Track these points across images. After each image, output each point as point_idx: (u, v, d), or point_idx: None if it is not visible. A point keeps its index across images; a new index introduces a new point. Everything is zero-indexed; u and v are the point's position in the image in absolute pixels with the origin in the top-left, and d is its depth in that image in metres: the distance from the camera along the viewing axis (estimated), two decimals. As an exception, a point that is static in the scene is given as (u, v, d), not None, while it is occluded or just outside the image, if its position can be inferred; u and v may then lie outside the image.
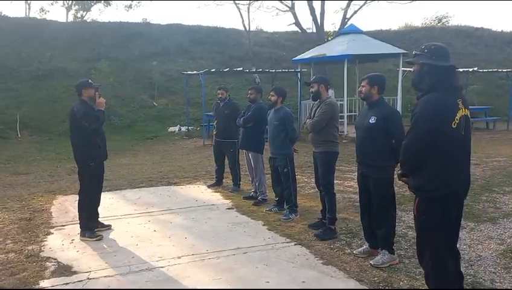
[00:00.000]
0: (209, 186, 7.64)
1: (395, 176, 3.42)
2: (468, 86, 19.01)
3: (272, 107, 5.91)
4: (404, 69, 15.51)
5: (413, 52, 3.17)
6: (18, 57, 19.50)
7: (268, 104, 6.03)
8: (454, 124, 2.89)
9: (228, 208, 6.27)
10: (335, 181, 7.78)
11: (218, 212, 6.07)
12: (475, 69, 16.70)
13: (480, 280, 3.81)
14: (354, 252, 4.42)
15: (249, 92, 6.74)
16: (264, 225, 5.42)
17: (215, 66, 19.26)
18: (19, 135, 14.81)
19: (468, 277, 3.83)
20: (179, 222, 5.67)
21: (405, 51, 14.49)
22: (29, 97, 17.23)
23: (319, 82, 4.99)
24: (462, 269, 3.92)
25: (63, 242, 4.94)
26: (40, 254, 4.57)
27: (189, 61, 21.79)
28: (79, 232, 5.22)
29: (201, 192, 7.31)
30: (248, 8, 22.75)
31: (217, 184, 7.67)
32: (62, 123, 16.01)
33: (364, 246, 4.40)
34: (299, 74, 15.10)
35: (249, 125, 6.54)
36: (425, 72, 3.00)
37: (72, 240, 5.02)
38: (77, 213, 5.23)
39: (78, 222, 5.20)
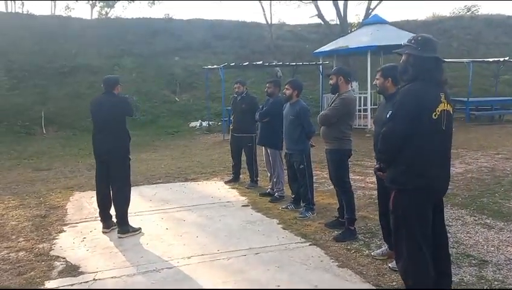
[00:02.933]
0: (226, 183, 7.49)
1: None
2: (499, 76, 18.27)
3: (287, 101, 5.69)
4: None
5: (402, 43, 3.08)
6: (44, 54, 19.82)
7: (284, 98, 5.81)
8: (434, 115, 2.80)
9: (244, 205, 6.10)
10: (356, 177, 7.68)
11: (233, 210, 5.90)
12: (506, 58, 15.96)
13: (511, 286, 3.51)
14: (372, 253, 4.17)
15: (267, 85, 6.53)
16: (279, 224, 5.22)
17: (237, 61, 19.09)
18: (44, 131, 15.05)
19: (496, 282, 3.54)
20: (192, 219, 5.54)
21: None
22: (54, 94, 17.49)
23: (337, 74, 4.72)
24: (489, 273, 3.67)
25: (74, 240, 4.87)
26: (50, 252, 4.51)
27: (211, 56, 21.70)
28: (91, 230, 5.18)
29: (217, 188, 7.16)
30: (270, 2, 22.48)
31: (234, 180, 7.51)
32: (86, 119, 16.13)
33: (383, 248, 4.14)
34: (320, 66, 14.75)
35: (266, 120, 6.35)
36: (409, 63, 2.95)
37: (84, 238, 4.94)
38: (117, 209, 5.02)
39: (116, 218, 5.03)
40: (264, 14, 23.55)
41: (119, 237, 4.88)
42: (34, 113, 15.72)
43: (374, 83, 3.98)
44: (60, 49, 20.45)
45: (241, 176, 7.66)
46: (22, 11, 25.75)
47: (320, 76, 14.91)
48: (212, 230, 5.05)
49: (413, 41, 2.95)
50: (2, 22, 21.99)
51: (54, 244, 4.78)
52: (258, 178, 7.32)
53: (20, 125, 14.90)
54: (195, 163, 9.67)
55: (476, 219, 5.15)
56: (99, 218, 5.18)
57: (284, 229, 5.03)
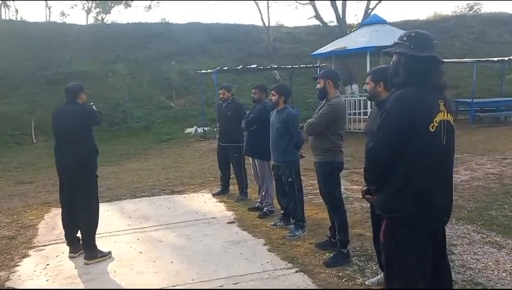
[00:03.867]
0: (214, 195, 6.99)
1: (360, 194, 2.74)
2: (504, 76, 17.70)
3: (273, 107, 5.18)
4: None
5: (392, 42, 2.56)
6: (37, 62, 19.42)
7: (270, 104, 5.31)
8: (432, 127, 2.29)
9: (229, 222, 5.59)
10: (354, 186, 7.15)
11: (217, 228, 5.40)
12: (511, 57, 15.38)
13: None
14: (367, 282, 3.65)
15: (253, 91, 6.04)
16: (265, 245, 4.71)
17: (234, 64, 18.61)
18: (34, 141, 14.59)
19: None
20: (170, 240, 5.03)
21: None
22: (45, 102, 17.01)
23: (325, 77, 4.20)
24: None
25: (36, 267, 4.38)
26: (6, 283, 4.03)
27: (208, 60, 21.22)
28: (58, 254, 4.70)
29: (204, 202, 6.66)
30: (267, 3, 22.00)
31: (223, 192, 7.01)
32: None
33: (379, 276, 3.62)
34: (318, 69, 14.25)
35: (252, 128, 5.85)
36: (401, 64, 2.43)
37: (47, 264, 4.45)
38: (82, 232, 4.53)
39: (82, 242, 4.53)
40: (261, 17, 23.06)
41: (85, 264, 4.38)
42: (24, 122, 15.27)
43: (363, 88, 3.47)
44: (53, 56, 20.04)
45: (231, 187, 7.17)
46: (16, 18, 25.39)
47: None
48: (189, 254, 4.54)
49: (405, 38, 2.44)
50: (-5, 29, 21.60)
51: (13, 272, 4.29)
52: (249, 189, 6.82)
53: (9, 135, 14.46)
54: (185, 173, 9.18)
55: (484, 236, 4.61)
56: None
57: (270, 251, 4.51)
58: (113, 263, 4.42)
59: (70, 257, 4.60)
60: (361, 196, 2.71)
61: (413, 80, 2.35)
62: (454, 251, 4.24)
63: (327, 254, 4.30)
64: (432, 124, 2.28)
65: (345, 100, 12.08)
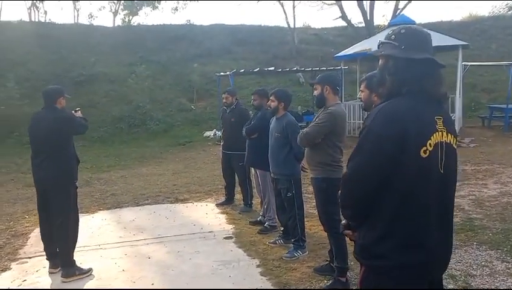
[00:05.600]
0: (217, 205, 6.59)
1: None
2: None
3: (273, 114, 4.74)
4: (466, 63, 13.64)
5: (379, 41, 2.00)
6: (63, 63, 19.62)
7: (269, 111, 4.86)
8: (424, 152, 1.74)
9: (226, 237, 5.18)
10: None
11: (212, 243, 4.99)
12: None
13: None
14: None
15: (252, 97, 5.61)
16: (258, 266, 4.26)
17: (257, 66, 18.22)
18: (54, 142, 14.58)
19: None
20: (159, 256, 4.66)
21: (465, 43, 12.66)
22: (68, 103, 16.80)
23: (322, 83, 3.72)
24: None
25: (12, 284, 4.09)
26: (-27, 302, 3.75)
27: (231, 62, 20.93)
28: (39, 268, 4.41)
29: (205, 213, 6.26)
30: (292, 3, 21.50)
31: (227, 202, 6.61)
32: (98, 129, 15.78)
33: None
34: (340, 71, 13.67)
35: (254, 136, 5.42)
36: (388, 69, 1.88)
37: (24, 280, 4.16)
38: (58, 248, 4.20)
39: (59, 258, 4.19)
40: (286, 18, 22.50)
41: (62, 282, 4.06)
42: (45, 123, 15.33)
43: (358, 96, 2.98)
44: (79, 58, 20.21)
45: (236, 196, 6.76)
46: (45, 20, 25.85)
47: (342, 82, 13.77)
48: (174, 274, 4.15)
49: (393, 36, 1.90)
50: (24, 31, 21.99)
51: (-14, 288, 4.02)
52: (254, 201, 6.39)
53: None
54: (194, 179, 8.82)
55: (510, 265, 4.02)
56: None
57: (262, 275, 4.06)
58: (92, 281, 4.08)
59: (50, 273, 4.30)
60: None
61: (403, 90, 1.83)
62: (472, 283, 3.68)
63: (325, 282, 3.83)
64: (425, 148, 1.74)
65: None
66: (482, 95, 18.35)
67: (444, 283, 3.70)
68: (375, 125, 1.77)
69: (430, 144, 1.76)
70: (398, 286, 1.78)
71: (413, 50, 1.84)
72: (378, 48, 1.96)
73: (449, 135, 1.84)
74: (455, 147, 1.89)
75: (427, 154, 1.75)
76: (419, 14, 51.90)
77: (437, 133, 1.79)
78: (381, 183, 1.77)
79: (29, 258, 4.76)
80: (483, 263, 4.08)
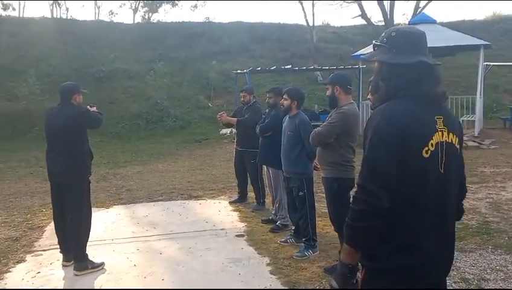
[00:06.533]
0: (230, 203, 6.61)
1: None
2: None
3: (286, 113, 4.72)
4: (488, 63, 13.35)
5: (373, 43, 1.93)
6: (84, 59, 19.91)
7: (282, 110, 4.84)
8: (426, 152, 1.71)
9: (238, 235, 5.18)
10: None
11: (223, 241, 5.00)
12: None
13: None
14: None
15: (267, 95, 5.60)
16: (268, 265, 4.25)
17: (275, 64, 18.16)
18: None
19: None
20: (170, 253, 4.69)
21: (487, 42, 12.37)
22: (88, 99, 17.18)
23: (333, 83, 3.70)
24: None
25: (26, 276, 4.17)
26: (-11, 292, 3.83)
27: (249, 59, 20.93)
28: (53, 261, 4.49)
29: (218, 210, 6.28)
30: (312, 3, 21.36)
31: (240, 200, 6.62)
32: (116, 125, 15.99)
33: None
34: (358, 70, 13.52)
35: (268, 134, 5.41)
36: (381, 75, 1.84)
37: (38, 273, 4.23)
38: (71, 242, 4.23)
39: (72, 252, 4.23)
40: (305, 16, 22.33)
41: (75, 275, 4.12)
42: (65, 118, 15.59)
43: (367, 96, 2.94)
44: (99, 54, 20.50)
45: (249, 194, 6.76)
46: (67, 17, 26.28)
47: (359, 81, 13.64)
48: (184, 271, 4.18)
49: (385, 39, 1.86)
50: (46, 28, 22.41)
51: (1, 279, 4.10)
52: (267, 199, 6.38)
53: (50, 131, 14.79)
54: (209, 176, 8.87)
55: (525, 271, 3.92)
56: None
57: (272, 273, 4.05)
58: (103, 276, 4.13)
59: (63, 266, 4.37)
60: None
61: (399, 94, 1.78)
62: (485, 287, 3.60)
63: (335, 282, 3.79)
64: (426, 148, 1.71)
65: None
66: (504, 96, 17.95)
67: (456, 287, 3.65)
68: (379, 129, 1.73)
69: (431, 144, 1.73)
70: (395, 287, 1.76)
71: (405, 53, 1.79)
72: (374, 49, 1.91)
73: (450, 134, 1.80)
74: (457, 146, 1.84)
75: (429, 154, 1.72)
76: (441, 12, 50.91)
77: (438, 133, 1.76)
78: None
79: (44, 250, 4.85)
80: (497, 267, 3.99)
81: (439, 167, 1.75)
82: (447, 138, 1.78)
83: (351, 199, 1.76)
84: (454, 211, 1.88)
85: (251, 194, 6.74)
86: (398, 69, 1.79)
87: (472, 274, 3.87)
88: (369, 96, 2.59)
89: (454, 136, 1.82)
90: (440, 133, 1.76)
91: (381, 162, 1.68)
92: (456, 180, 1.86)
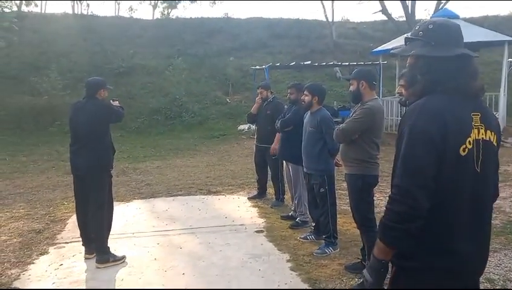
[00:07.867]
0: (249, 199, 6.61)
1: None
2: None
3: (307, 109, 4.68)
4: (512, 60, 13.03)
5: (405, 37, 1.88)
6: (104, 55, 20.13)
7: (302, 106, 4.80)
8: (463, 150, 1.65)
9: (257, 231, 5.17)
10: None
11: (243, 236, 5.00)
12: None
13: None
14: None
15: (289, 91, 5.56)
16: (288, 261, 4.23)
17: (294, 61, 18.08)
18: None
19: None
20: (190, 247, 4.71)
21: (511, 38, 12.05)
22: (108, 94, 17.53)
23: (358, 78, 3.64)
24: None
25: (49, 267, 4.23)
26: (13, 283, 3.89)
27: (267, 56, 20.87)
28: (75, 253, 4.54)
29: (237, 206, 6.28)
30: (332, -2, 21.17)
31: (259, 196, 6.61)
32: (136, 120, 16.12)
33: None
34: (378, 66, 13.35)
35: (289, 129, 5.38)
36: (419, 69, 1.77)
37: (61, 265, 4.29)
38: (93, 234, 4.30)
39: (94, 244, 4.30)
40: (324, 12, 22.16)
41: (97, 268, 4.17)
42: (86, 113, 15.78)
43: (397, 91, 2.88)
44: (118, 50, 20.68)
45: (268, 190, 6.75)
46: (87, 13, 26.60)
47: (379, 77, 13.47)
48: (204, 265, 4.18)
49: (421, 32, 1.78)
50: (68, 24, 22.72)
51: (26, 271, 4.16)
52: (285, 196, 6.35)
53: (69, 124, 15.01)
54: (227, 172, 8.88)
55: (554, 273, 3.82)
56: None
57: (292, 270, 4.03)
58: (124, 269, 4.17)
59: (85, 258, 4.42)
60: None
61: (437, 89, 1.72)
62: (510, 288, 3.52)
63: (356, 280, 3.76)
64: (464, 146, 1.65)
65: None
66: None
67: (481, 287, 3.57)
68: (418, 126, 1.66)
69: (469, 142, 1.67)
70: (429, 288, 1.71)
71: (444, 46, 1.73)
72: (406, 44, 1.86)
73: (488, 131, 1.74)
74: (495, 144, 1.78)
75: (466, 152, 1.66)
76: (463, 8, 49.93)
77: (474, 130, 1.69)
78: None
79: (66, 243, 4.92)
80: (524, 270, 3.90)
81: (475, 165, 1.69)
82: (483, 136, 1.72)
83: (389, 200, 1.69)
84: (491, 210, 1.82)
85: (270, 190, 6.73)
86: (437, 62, 1.73)
87: (497, 275, 3.79)
88: (397, 90, 2.52)
89: (492, 133, 1.75)
90: (477, 130, 1.70)
91: (421, 161, 1.62)
92: (493, 179, 1.81)
